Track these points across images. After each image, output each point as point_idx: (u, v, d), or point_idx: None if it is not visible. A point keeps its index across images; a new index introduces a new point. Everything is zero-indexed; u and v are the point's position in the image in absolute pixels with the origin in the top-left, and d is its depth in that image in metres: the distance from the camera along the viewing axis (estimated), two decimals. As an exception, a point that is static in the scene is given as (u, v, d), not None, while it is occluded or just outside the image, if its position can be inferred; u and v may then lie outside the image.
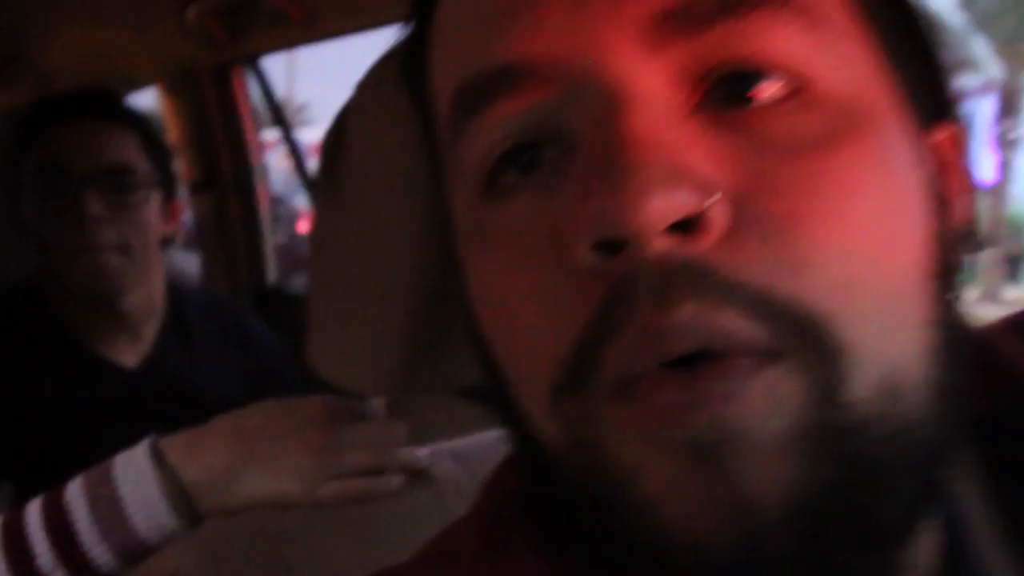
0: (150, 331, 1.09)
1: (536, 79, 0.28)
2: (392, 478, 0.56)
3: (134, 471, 0.57)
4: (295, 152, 1.47)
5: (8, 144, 1.07)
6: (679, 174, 0.24)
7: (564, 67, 0.27)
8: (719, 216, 0.25)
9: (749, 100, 0.26)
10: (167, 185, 1.09)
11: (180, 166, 1.44)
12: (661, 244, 0.24)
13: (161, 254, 1.11)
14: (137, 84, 1.51)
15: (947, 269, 0.28)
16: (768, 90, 0.26)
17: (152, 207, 1.05)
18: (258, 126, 1.52)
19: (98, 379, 1.04)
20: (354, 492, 0.55)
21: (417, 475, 0.57)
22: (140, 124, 1.07)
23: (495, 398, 0.34)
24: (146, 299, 1.08)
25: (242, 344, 1.17)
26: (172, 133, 1.50)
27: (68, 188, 0.99)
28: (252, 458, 0.56)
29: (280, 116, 1.46)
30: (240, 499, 0.56)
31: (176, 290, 1.15)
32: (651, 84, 0.26)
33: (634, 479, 0.26)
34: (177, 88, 1.45)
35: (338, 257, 0.54)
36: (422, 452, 0.59)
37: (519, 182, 0.29)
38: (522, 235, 0.29)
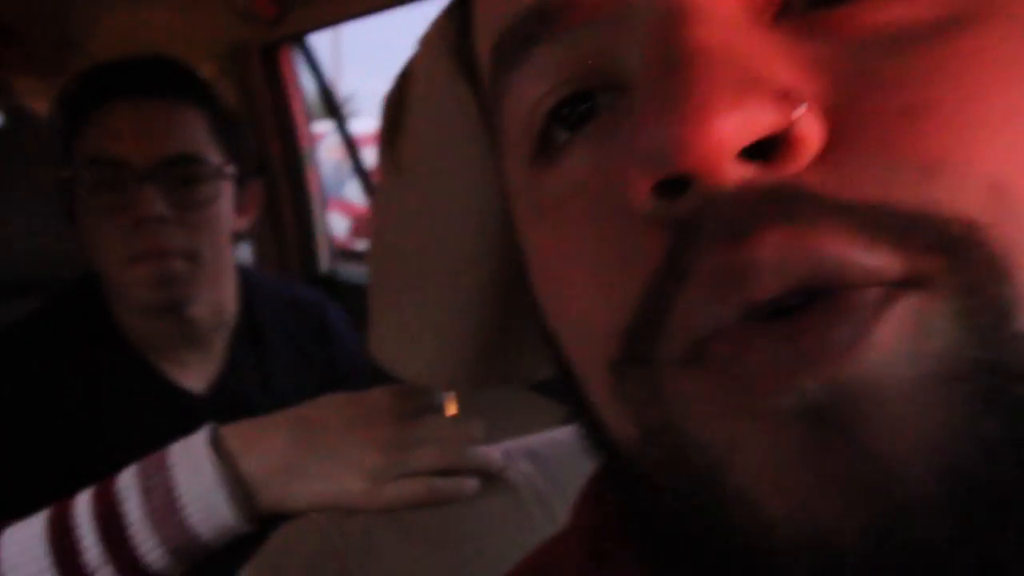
0: (220, 342, 0.95)
1: (579, 12, 0.23)
2: (467, 481, 0.50)
3: (191, 459, 0.53)
4: (344, 132, 1.43)
5: (58, 126, 0.90)
6: (751, 84, 0.19)
7: None
8: (810, 131, 0.20)
9: None
10: (241, 173, 0.92)
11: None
12: (736, 174, 0.19)
13: (232, 253, 0.94)
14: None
15: None
16: None
17: (224, 201, 0.88)
18: (308, 117, 1.48)
19: (163, 406, 0.89)
20: (424, 494, 0.50)
21: (493, 478, 0.51)
22: (209, 101, 0.90)
23: (564, 392, 0.29)
24: (216, 306, 0.93)
25: (322, 348, 1.02)
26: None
27: (125, 183, 0.82)
28: (312, 450, 0.52)
29: (329, 95, 1.41)
30: (299, 496, 0.51)
31: (248, 286, 0.99)
32: None
33: (721, 466, 0.21)
34: (225, 70, 1.41)
35: (402, 237, 0.49)
36: (496, 451, 0.53)
37: (570, 139, 0.25)
38: (574, 195, 0.25)
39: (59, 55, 1.44)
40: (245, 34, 1.29)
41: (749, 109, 0.19)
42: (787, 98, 0.19)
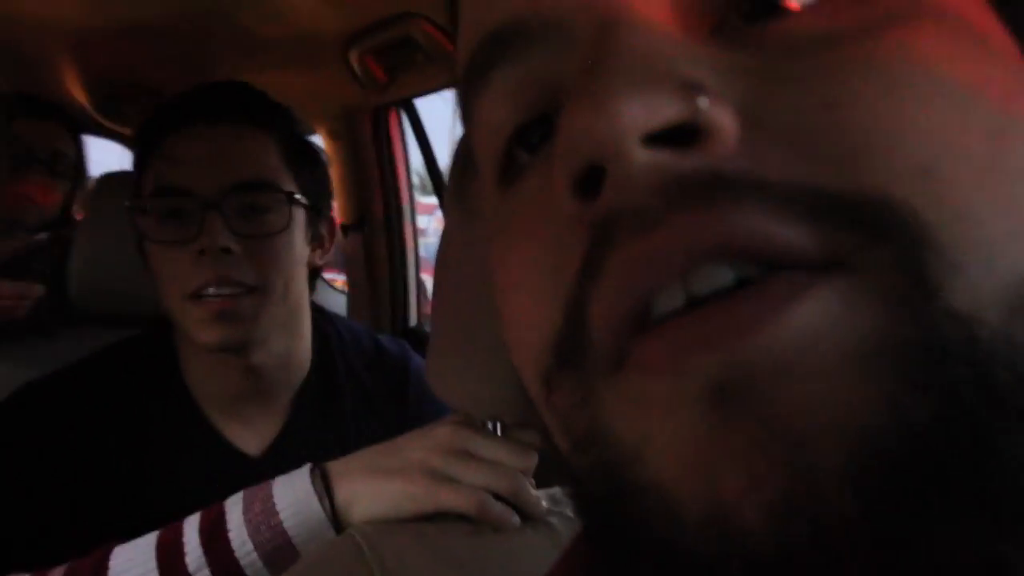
0: (286, 399, 0.88)
1: (530, 35, 0.24)
2: (511, 513, 0.51)
3: (291, 479, 0.58)
4: (441, 194, 1.49)
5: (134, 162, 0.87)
6: (656, 76, 0.20)
7: (552, 14, 0.24)
8: (723, 122, 0.20)
9: (779, 11, 0.22)
10: (315, 202, 0.87)
11: (335, 207, 1.48)
12: (645, 159, 0.19)
13: (307, 292, 0.88)
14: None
15: None
16: None
17: (296, 232, 0.83)
18: (410, 181, 1.55)
19: (213, 465, 0.83)
20: (475, 505, 0.51)
21: (533, 519, 0.52)
22: (281, 126, 0.84)
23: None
24: (285, 355, 0.86)
25: (400, 408, 0.93)
26: (332, 176, 1.55)
27: (189, 213, 0.78)
28: (385, 454, 0.56)
29: (430, 153, 1.48)
30: (368, 492, 0.54)
31: (328, 335, 0.94)
32: (652, 8, 0.22)
33: (635, 461, 0.20)
34: (338, 132, 1.51)
35: (464, 268, 0.51)
36: (543, 495, 0.54)
37: (530, 161, 0.26)
38: (520, 212, 0.25)
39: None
40: (358, 97, 1.38)
41: (649, 96, 0.19)
42: (691, 89, 0.20)
